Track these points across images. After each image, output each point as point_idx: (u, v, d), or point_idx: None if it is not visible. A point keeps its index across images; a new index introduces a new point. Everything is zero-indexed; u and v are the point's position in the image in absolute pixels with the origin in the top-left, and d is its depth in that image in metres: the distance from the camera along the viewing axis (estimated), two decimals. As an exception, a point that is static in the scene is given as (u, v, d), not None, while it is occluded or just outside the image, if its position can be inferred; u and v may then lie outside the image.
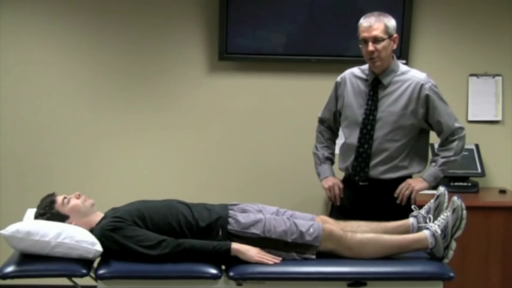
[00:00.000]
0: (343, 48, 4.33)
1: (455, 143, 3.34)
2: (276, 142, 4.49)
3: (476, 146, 4.41)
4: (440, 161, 3.36)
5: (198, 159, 4.49)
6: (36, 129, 4.41)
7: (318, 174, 3.57)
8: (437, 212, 3.04)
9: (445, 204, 3.02)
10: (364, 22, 3.28)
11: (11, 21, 4.34)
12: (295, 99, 4.44)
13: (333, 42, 4.37)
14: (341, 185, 3.47)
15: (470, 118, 4.50)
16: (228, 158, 4.49)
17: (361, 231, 2.99)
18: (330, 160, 3.58)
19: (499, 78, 4.49)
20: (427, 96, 3.31)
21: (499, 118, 4.51)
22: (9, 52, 4.36)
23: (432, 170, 3.37)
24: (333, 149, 3.61)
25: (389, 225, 3.09)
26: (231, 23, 4.28)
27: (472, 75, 4.49)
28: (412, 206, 3.21)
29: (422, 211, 3.10)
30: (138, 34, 4.39)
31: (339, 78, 3.51)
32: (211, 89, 4.45)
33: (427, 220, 3.02)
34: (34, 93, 4.39)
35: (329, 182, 3.49)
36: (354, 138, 3.38)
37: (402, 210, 3.28)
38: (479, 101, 4.49)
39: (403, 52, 4.33)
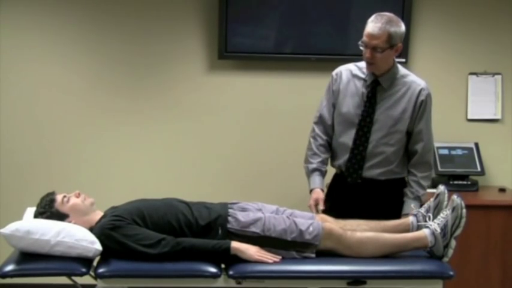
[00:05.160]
0: (343, 47, 4.33)
1: (426, 173, 3.32)
2: (276, 140, 4.48)
3: (476, 144, 4.41)
4: (416, 195, 3.30)
5: (197, 158, 4.49)
6: (35, 127, 4.41)
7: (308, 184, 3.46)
8: (437, 210, 3.03)
9: (445, 203, 3.02)
10: (370, 26, 3.17)
11: (10, 15, 4.33)
12: (294, 97, 4.44)
13: (333, 41, 4.37)
14: (322, 201, 3.34)
15: (469, 117, 4.50)
16: (228, 157, 4.49)
17: (361, 230, 2.99)
18: (318, 170, 3.40)
19: (499, 77, 4.49)
20: (423, 102, 3.28)
21: (499, 117, 4.51)
22: (7, 49, 4.35)
23: (411, 201, 3.29)
24: (324, 156, 3.42)
25: (388, 224, 3.09)
26: (230, 22, 4.27)
27: (471, 73, 4.49)
28: (412, 205, 3.21)
29: (422, 210, 3.09)
30: (137, 33, 4.39)
31: (334, 74, 3.43)
32: (211, 88, 4.45)
33: (427, 219, 3.02)
34: (33, 90, 4.39)
35: (314, 196, 3.35)
36: (347, 138, 3.34)
37: (396, 209, 3.28)
38: (478, 100, 4.49)
39: (403, 51, 4.27)
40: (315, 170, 3.41)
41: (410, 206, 3.24)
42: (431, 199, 3.09)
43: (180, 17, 4.39)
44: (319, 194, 3.35)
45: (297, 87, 4.44)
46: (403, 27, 3.22)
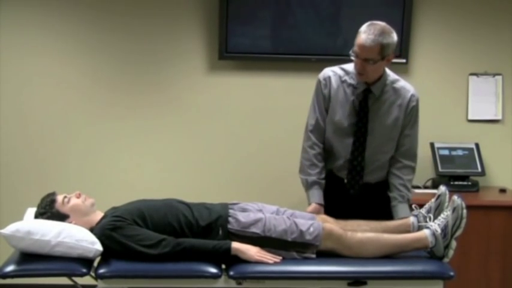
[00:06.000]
0: (342, 48, 4.32)
1: (411, 177, 3.30)
2: (276, 141, 4.48)
3: (476, 145, 4.41)
4: (405, 198, 3.28)
5: (197, 158, 4.49)
6: (36, 127, 4.41)
7: (307, 196, 3.40)
8: (437, 211, 3.04)
9: (446, 203, 3.02)
10: (362, 38, 3.05)
11: (10, 13, 4.33)
12: (295, 98, 4.43)
13: (333, 41, 4.37)
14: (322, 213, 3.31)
15: (470, 117, 4.50)
16: (228, 157, 4.49)
17: (361, 231, 2.99)
18: (318, 184, 3.32)
19: (499, 78, 4.49)
20: (413, 108, 3.27)
21: (499, 117, 4.51)
22: (8, 48, 4.35)
23: (404, 205, 3.26)
24: (321, 165, 3.34)
25: (389, 224, 3.10)
26: (230, 22, 4.27)
27: (472, 74, 4.49)
28: (413, 206, 3.21)
29: (423, 210, 3.10)
30: (138, 32, 4.39)
31: (322, 79, 3.33)
32: (211, 88, 4.45)
33: (428, 219, 3.02)
34: (33, 88, 4.39)
35: (315, 211, 3.28)
36: (340, 146, 3.29)
37: (383, 209, 3.27)
38: (479, 100, 4.49)
39: (403, 52, 4.31)
40: (314, 183, 3.33)
41: (407, 209, 3.22)
42: (432, 200, 3.10)
43: (181, 17, 4.39)
44: (317, 210, 3.28)
45: (297, 88, 4.43)
46: (395, 38, 3.12)
